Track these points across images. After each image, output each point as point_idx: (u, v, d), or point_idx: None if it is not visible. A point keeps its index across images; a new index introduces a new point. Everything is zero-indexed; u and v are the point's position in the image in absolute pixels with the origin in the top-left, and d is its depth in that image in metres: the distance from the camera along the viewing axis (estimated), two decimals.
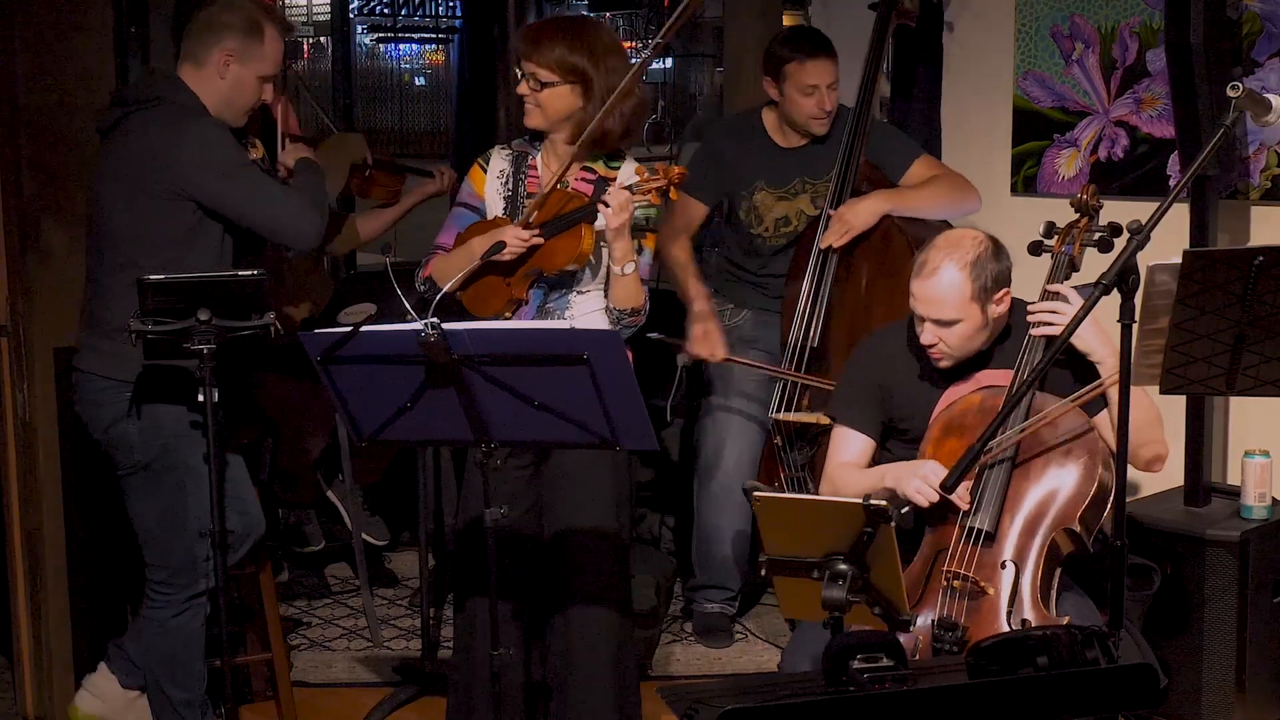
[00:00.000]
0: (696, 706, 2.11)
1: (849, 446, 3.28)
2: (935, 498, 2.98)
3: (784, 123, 4.17)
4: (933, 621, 2.94)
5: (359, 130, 7.81)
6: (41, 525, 3.82)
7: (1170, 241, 3.06)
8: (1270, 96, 2.74)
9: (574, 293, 3.37)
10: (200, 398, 3.16)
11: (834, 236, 3.96)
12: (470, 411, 2.85)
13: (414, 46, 14.45)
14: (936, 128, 4.52)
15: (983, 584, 2.95)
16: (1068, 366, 3.12)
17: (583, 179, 3.37)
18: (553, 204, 3.30)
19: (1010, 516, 3.01)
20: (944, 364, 3.16)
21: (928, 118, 4.52)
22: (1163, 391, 2.69)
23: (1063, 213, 3.21)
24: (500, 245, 3.23)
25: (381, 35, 14.00)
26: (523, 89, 3.33)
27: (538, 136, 3.43)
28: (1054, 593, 3.00)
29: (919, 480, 3.00)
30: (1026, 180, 4.37)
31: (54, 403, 3.78)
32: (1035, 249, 3.17)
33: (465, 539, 3.48)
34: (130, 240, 3.37)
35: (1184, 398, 3.73)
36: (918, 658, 2.87)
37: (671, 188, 3.21)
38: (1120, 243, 2.66)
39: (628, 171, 3.36)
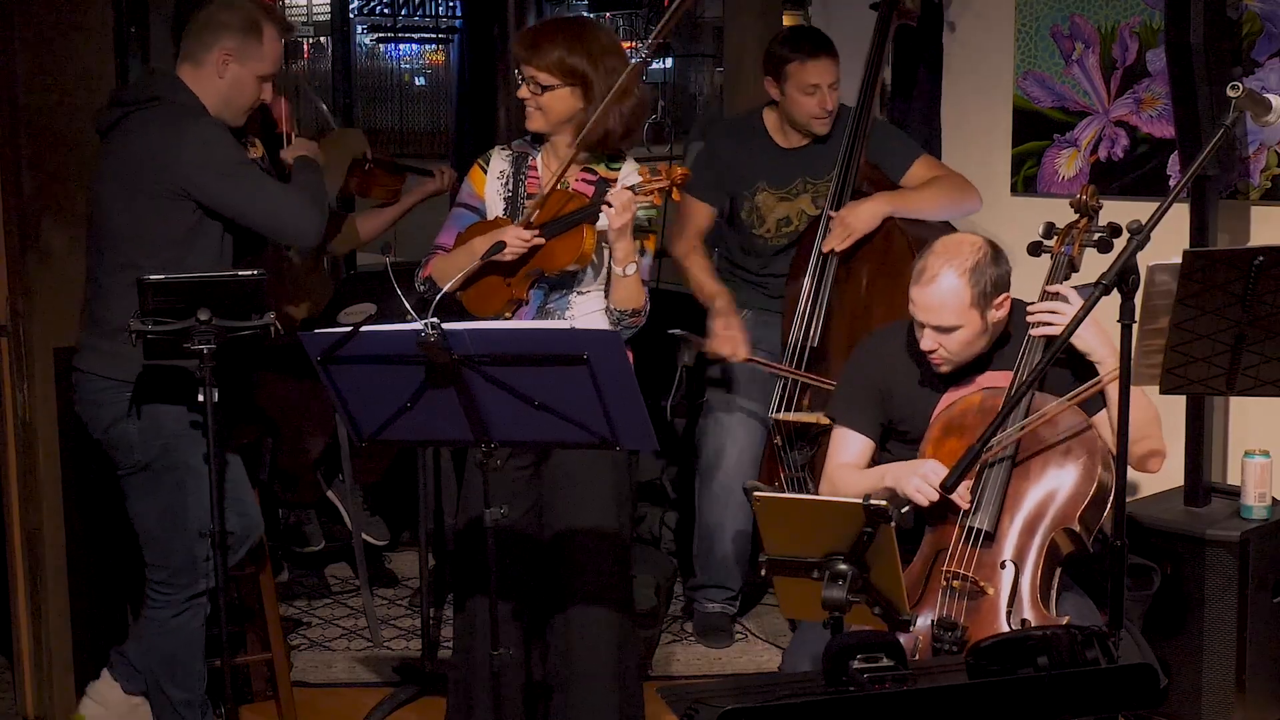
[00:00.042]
0: (696, 706, 2.11)
1: (848, 447, 3.28)
2: (935, 497, 2.98)
3: (785, 123, 4.17)
4: (932, 621, 2.94)
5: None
6: (41, 525, 3.82)
7: (1170, 241, 3.06)
8: (1270, 96, 2.75)
9: (574, 293, 3.37)
10: (200, 398, 3.16)
11: (835, 240, 3.96)
12: (470, 411, 2.85)
13: (414, 46, 14.43)
14: (936, 128, 4.52)
15: (982, 584, 2.95)
16: (1067, 366, 3.12)
17: (583, 180, 3.37)
18: (553, 204, 3.30)
19: (1010, 516, 3.01)
20: (944, 369, 3.16)
21: (928, 118, 4.51)
22: (1163, 391, 2.69)
23: (1063, 213, 3.21)
24: (501, 245, 3.24)
25: (381, 35, 13.98)
26: (524, 93, 3.33)
27: (538, 137, 3.43)
28: (1054, 593, 3.00)
29: (919, 480, 3.00)
30: (1026, 180, 4.37)
31: (54, 403, 3.78)
32: (1035, 249, 3.16)
33: (465, 539, 3.48)
34: (130, 240, 3.37)
35: (1184, 398, 3.73)
36: (918, 658, 2.87)
37: (674, 188, 3.22)
38: (1120, 243, 2.66)
39: (629, 172, 3.36)
